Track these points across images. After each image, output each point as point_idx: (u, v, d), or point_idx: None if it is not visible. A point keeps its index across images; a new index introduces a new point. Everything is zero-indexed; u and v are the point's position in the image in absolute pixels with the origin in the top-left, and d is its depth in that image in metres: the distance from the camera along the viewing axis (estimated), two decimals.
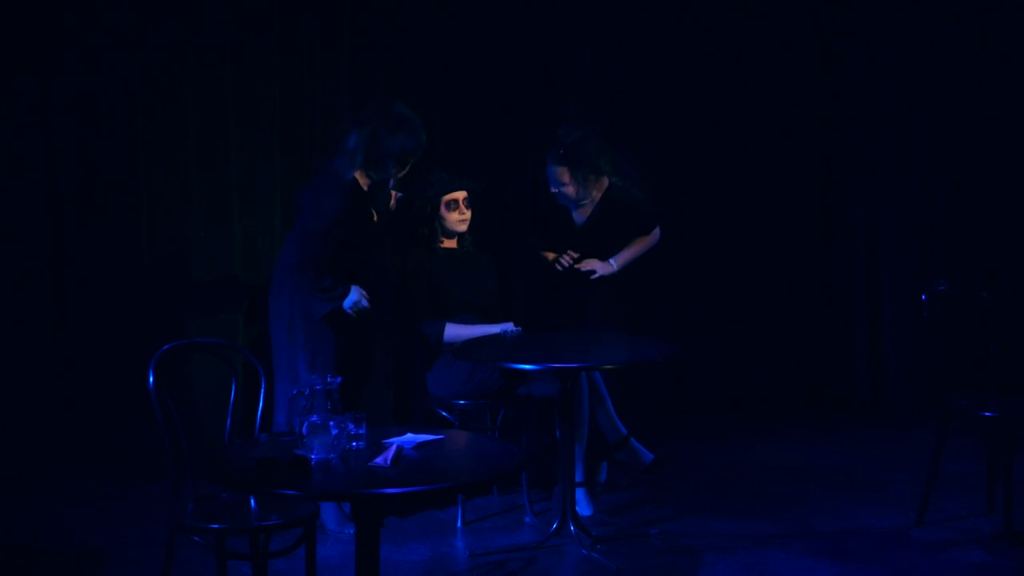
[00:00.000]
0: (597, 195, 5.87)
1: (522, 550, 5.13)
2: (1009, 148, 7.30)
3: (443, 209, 5.62)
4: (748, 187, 7.30)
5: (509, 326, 5.49)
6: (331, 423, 3.70)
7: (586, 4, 6.96)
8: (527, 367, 4.91)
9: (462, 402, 5.46)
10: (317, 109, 6.38)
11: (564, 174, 5.77)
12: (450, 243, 5.68)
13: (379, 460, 3.67)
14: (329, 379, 3.80)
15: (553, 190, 5.83)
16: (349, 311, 5.26)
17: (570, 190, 5.81)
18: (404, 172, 5.40)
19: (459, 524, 5.42)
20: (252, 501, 4.12)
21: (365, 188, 5.34)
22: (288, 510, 4.04)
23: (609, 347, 5.39)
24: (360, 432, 3.80)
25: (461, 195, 5.64)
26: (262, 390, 4.33)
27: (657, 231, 5.99)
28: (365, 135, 5.26)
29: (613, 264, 5.86)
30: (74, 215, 6.06)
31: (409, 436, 3.91)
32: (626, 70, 7.09)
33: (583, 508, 5.50)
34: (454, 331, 5.49)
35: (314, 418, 3.71)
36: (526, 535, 5.32)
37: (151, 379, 4.13)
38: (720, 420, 7.22)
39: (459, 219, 5.64)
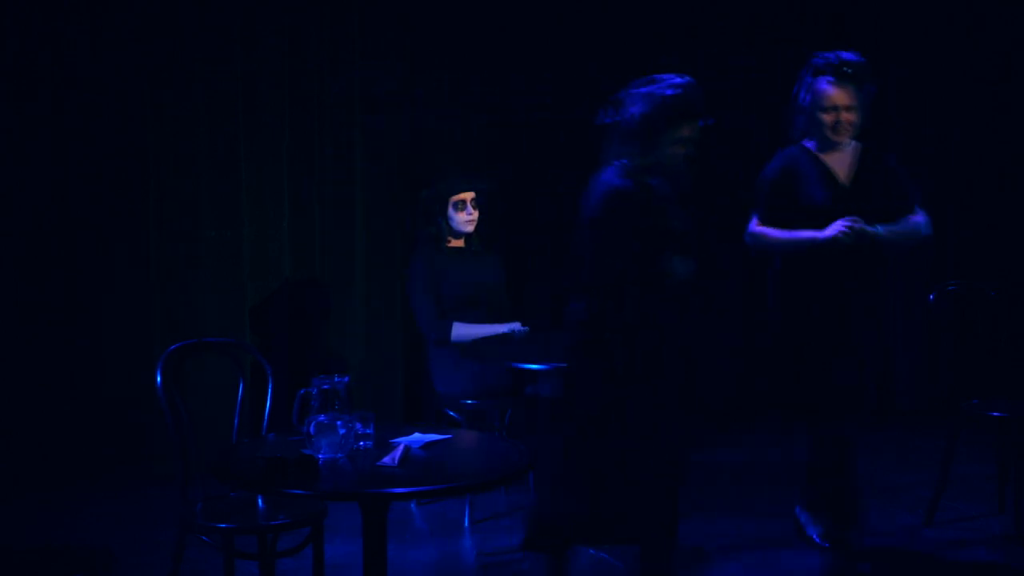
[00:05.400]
0: (850, 141, 4.89)
1: None
2: (1020, 148, 7.27)
3: (450, 209, 5.62)
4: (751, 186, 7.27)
5: (516, 325, 5.49)
6: (338, 422, 3.70)
7: (596, 11, 6.94)
8: (535, 366, 4.91)
9: (470, 401, 5.45)
10: (327, 112, 6.39)
11: (850, 95, 4.80)
12: (457, 242, 5.67)
13: (387, 460, 3.66)
14: (337, 378, 3.80)
15: (827, 117, 4.81)
16: None
17: (849, 117, 4.80)
18: None
19: (467, 524, 5.42)
20: (260, 500, 4.13)
21: None
22: (296, 509, 4.05)
23: None
24: (368, 431, 3.80)
25: (469, 196, 5.63)
26: (269, 389, 4.33)
27: (924, 216, 4.89)
28: None
29: (881, 231, 4.76)
30: (84, 217, 6.07)
31: (417, 436, 3.90)
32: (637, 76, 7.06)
33: None
34: (461, 330, 5.49)
35: (321, 417, 3.71)
36: None
37: (159, 378, 4.14)
38: (727, 422, 7.19)
39: (466, 219, 5.64)
